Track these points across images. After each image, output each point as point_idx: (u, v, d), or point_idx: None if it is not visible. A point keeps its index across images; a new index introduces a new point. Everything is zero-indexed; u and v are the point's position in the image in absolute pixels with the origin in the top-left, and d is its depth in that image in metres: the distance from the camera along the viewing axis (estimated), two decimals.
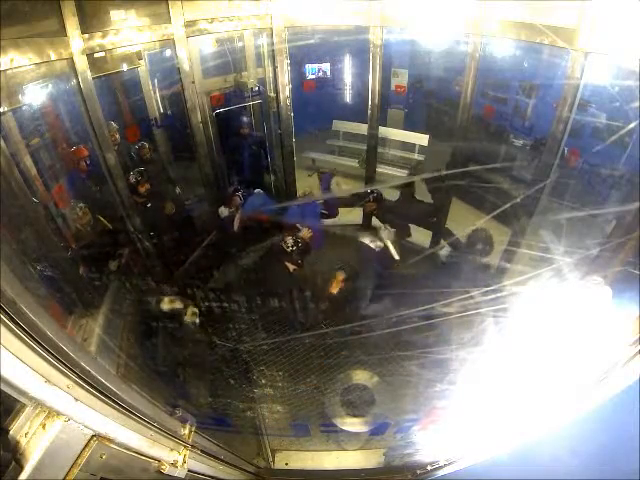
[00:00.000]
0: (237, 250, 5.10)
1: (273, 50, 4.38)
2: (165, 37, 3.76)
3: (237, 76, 5.22)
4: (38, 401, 0.90)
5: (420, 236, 5.11)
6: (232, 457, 2.38)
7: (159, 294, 3.75)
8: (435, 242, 5.10)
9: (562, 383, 1.70)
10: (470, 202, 5.86)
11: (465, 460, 2.36)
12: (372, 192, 4.76)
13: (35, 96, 3.80)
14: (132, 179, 4.11)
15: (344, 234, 5.03)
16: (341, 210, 4.92)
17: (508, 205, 4.08)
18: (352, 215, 5.31)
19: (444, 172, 4.80)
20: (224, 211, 4.80)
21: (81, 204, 3.85)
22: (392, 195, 5.06)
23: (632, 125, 4.78)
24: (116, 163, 3.77)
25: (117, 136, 4.72)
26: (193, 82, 4.10)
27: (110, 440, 1.10)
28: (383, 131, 6.12)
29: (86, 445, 1.02)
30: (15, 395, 0.87)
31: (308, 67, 8.11)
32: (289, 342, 3.80)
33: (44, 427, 0.91)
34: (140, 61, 4.45)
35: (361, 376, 3.59)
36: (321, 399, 3.56)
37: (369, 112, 4.79)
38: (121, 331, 3.52)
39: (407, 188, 4.91)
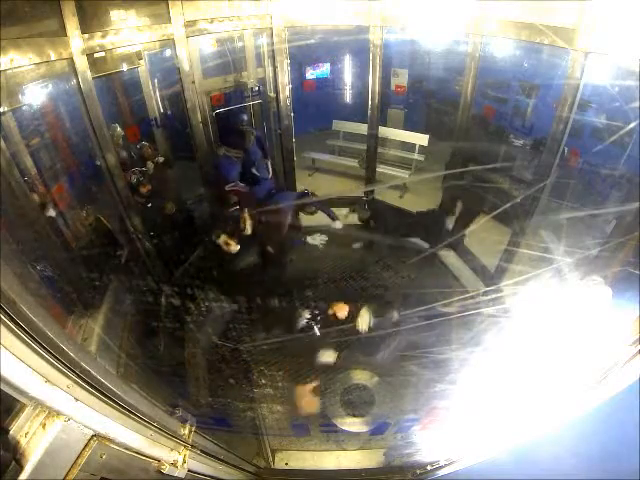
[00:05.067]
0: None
1: (273, 50, 4.38)
2: (165, 37, 3.76)
3: (237, 76, 5.23)
4: (38, 401, 0.90)
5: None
6: (232, 457, 2.38)
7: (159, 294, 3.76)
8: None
9: (562, 383, 1.70)
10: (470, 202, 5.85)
11: (465, 460, 2.36)
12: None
13: (35, 96, 3.80)
14: (133, 179, 4.11)
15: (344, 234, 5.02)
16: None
17: (508, 205, 4.09)
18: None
19: (444, 172, 4.80)
20: None
21: (86, 205, 3.87)
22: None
23: (632, 125, 4.78)
24: (116, 163, 3.76)
25: (121, 140, 4.76)
26: (193, 82, 4.10)
27: (110, 440, 1.10)
28: (383, 131, 6.12)
29: (86, 445, 1.02)
30: (15, 395, 0.87)
31: (311, 66, 8.08)
32: (289, 342, 3.79)
33: (44, 427, 0.91)
34: (140, 61, 4.46)
35: (361, 376, 3.59)
36: (321, 399, 3.56)
37: (369, 112, 4.79)
38: (121, 331, 3.52)
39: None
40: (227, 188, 4.67)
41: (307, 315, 3.31)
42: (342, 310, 3.33)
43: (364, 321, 3.23)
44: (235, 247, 3.66)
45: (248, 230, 3.69)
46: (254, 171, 5.19)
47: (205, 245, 4.75)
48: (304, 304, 3.40)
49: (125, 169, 4.06)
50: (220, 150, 5.13)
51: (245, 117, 5.23)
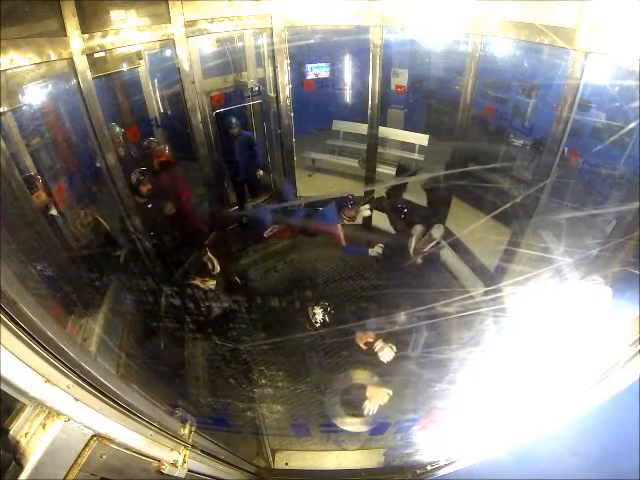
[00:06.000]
0: (237, 250, 5.13)
1: (273, 50, 4.37)
2: (165, 37, 3.75)
3: (237, 76, 5.22)
4: (38, 401, 0.90)
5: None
6: (232, 457, 2.38)
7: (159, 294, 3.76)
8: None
9: (562, 383, 1.70)
10: (470, 202, 5.86)
11: (465, 460, 2.36)
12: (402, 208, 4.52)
13: (35, 96, 3.80)
14: (133, 179, 4.10)
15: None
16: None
17: (508, 205, 4.09)
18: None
19: (444, 172, 4.79)
20: None
21: (86, 205, 3.88)
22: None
23: (632, 125, 4.79)
24: (116, 163, 3.76)
25: (120, 138, 4.76)
26: (193, 82, 4.10)
27: (110, 440, 1.10)
28: (383, 131, 6.12)
29: (86, 445, 1.02)
30: (15, 395, 0.87)
31: (311, 66, 8.08)
32: (289, 342, 3.80)
33: (44, 427, 0.91)
34: (140, 61, 4.46)
35: (361, 376, 3.59)
36: (321, 399, 3.57)
37: (369, 112, 4.79)
38: (121, 331, 3.52)
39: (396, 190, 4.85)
40: (265, 235, 4.92)
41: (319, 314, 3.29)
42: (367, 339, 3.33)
43: (386, 353, 3.19)
44: (212, 282, 3.76)
45: (217, 268, 3.79)
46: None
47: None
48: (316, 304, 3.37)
49: (126, 169, 4.06)
50: (248, 205, 5.49)
51: (234, 120, 5.18)
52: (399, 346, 3.24)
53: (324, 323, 3.23)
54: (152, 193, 4.28)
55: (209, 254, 3.80)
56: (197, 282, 3.68)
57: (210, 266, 3.75)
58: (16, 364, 0.83)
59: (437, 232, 4.03)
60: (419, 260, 4.04)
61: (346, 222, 4.45)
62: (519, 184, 5.33)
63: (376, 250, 4.44)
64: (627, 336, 1.38)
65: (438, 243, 4.10)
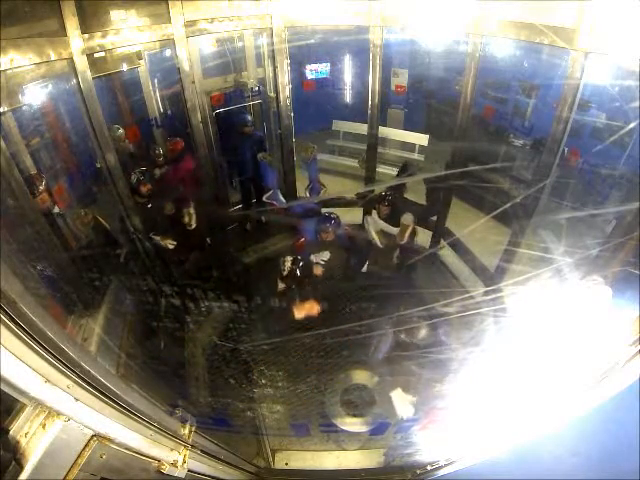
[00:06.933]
0: (238, 250, 5.12)
1: (273, 50, 4.37)
2: (165, 37, 3.75)
3: (237, 76, 5.23)
4: (38, 401, 0.90)
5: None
6: (232, 457, 2.38)
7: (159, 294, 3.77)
8: (435, 242, 5.12)
9: (562, 383, 1.70)
10: (470, 202, 5.86)
11: (465, 460, 2.36)
12: (386, 195, 4.42)
13: (35, 96, 3.80)
14: (133, 179, 4.09)
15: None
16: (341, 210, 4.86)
17: (508, 205, 4.08)
18: (351, 214, 5.31)
19: (444, 172, 4.79)
20: None
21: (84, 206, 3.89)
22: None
23: (632, 125, 4.79)
24: (116, 163, 3.76)
25: (125, 141, 4.77)
26: (193, 82, 4.10)
27: (110, 440, 1.10)
28: (383, 131, 6.12)
29: (86, 445, 1.02)
30: (15, 395, 0.87)
31: (311, 66, 8.06)
32: (289, 342, 3.80)
33: (44, 427, 0.91)
34: (140, 61, 4.46)
35: (361, 376, 3.59)
36: (321, 399, 3.57)
37: (369, 112, 4.79)
38: (121, 331, 3.52)
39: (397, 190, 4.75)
40: (264, 199, 4.84)
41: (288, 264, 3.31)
42: (312, 310, 3.36)
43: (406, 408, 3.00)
44: (172, 243, 3.87)
45: (193, 224, 3.84)
46: (306, 192, 5.10)
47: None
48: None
49: (126, 169, 4.05)
50: (263, 156, 5.21)
51: (250, 118, 5.18)
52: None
53: (291, 274, 3.28)
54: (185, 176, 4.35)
55: (191, 209, 3.80)
56: (157, 238, 3.71)
57: (187, 219, 3.76)
58: (16, 364, 0.83)
59: (406, 218, 4.05)
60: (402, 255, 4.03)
61: (322, 239, 4.20)
62: (519, 184, 5.32)
63: (321, 257, 4.27)
64: (627, 336, 1.38)
65: (414, 230, 4.13)
